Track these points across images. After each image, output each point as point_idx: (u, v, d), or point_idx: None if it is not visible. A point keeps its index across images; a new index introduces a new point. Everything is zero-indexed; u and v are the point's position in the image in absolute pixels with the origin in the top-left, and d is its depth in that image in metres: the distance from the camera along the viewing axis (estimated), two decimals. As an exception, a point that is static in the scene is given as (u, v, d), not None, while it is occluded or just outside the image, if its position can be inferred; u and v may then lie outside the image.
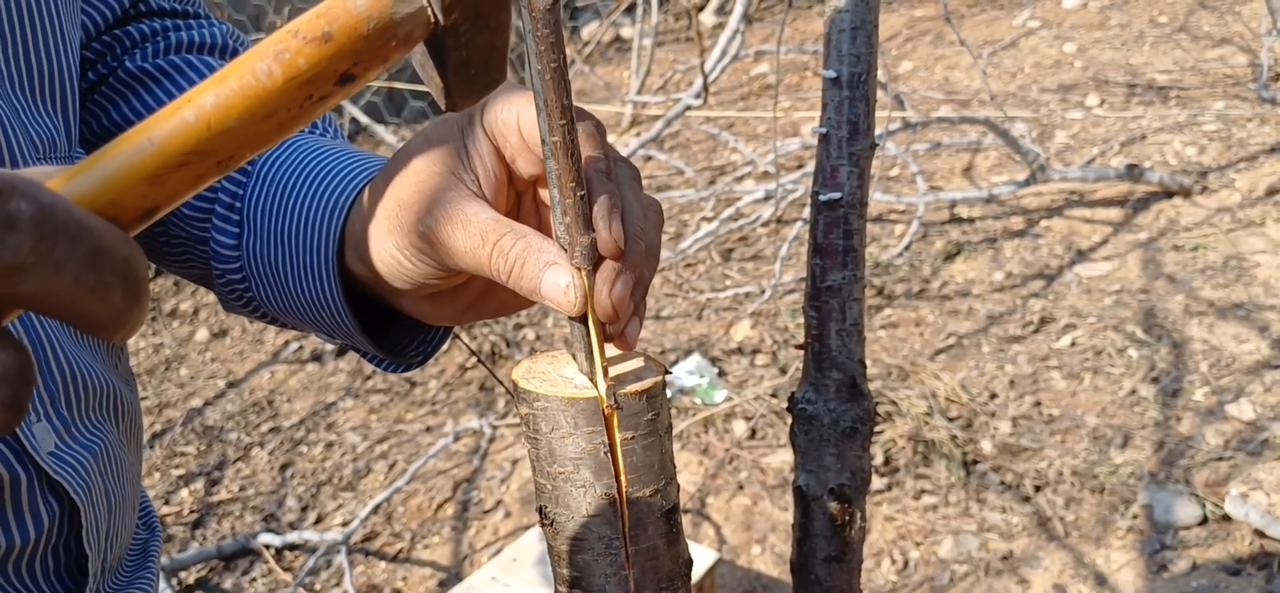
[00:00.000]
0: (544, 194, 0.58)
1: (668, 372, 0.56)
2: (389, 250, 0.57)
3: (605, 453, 0.51)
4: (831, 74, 0.75)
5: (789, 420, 0.79)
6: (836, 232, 0.77)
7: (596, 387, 0.51)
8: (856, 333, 0.77)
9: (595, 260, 0.50)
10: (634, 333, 0.52)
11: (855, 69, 0.75)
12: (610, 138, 4.69)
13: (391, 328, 0.68)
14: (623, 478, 0.51)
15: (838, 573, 0.77)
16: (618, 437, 0.51)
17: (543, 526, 0.54)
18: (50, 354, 0.58)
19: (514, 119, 0.54)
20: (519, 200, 0.59)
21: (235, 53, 0.74)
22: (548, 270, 0.51)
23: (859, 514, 0.79)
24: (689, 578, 0.55)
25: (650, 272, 0.53)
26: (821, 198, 0.77)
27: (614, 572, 0.52)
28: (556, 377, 0.53)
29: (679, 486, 0.55)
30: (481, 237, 0.53)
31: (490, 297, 0.63)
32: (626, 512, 0.51)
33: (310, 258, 0.62)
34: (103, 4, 0.70)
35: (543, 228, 0.56)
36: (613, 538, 0.52)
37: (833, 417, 0.77)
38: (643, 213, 0.53)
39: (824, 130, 0.77)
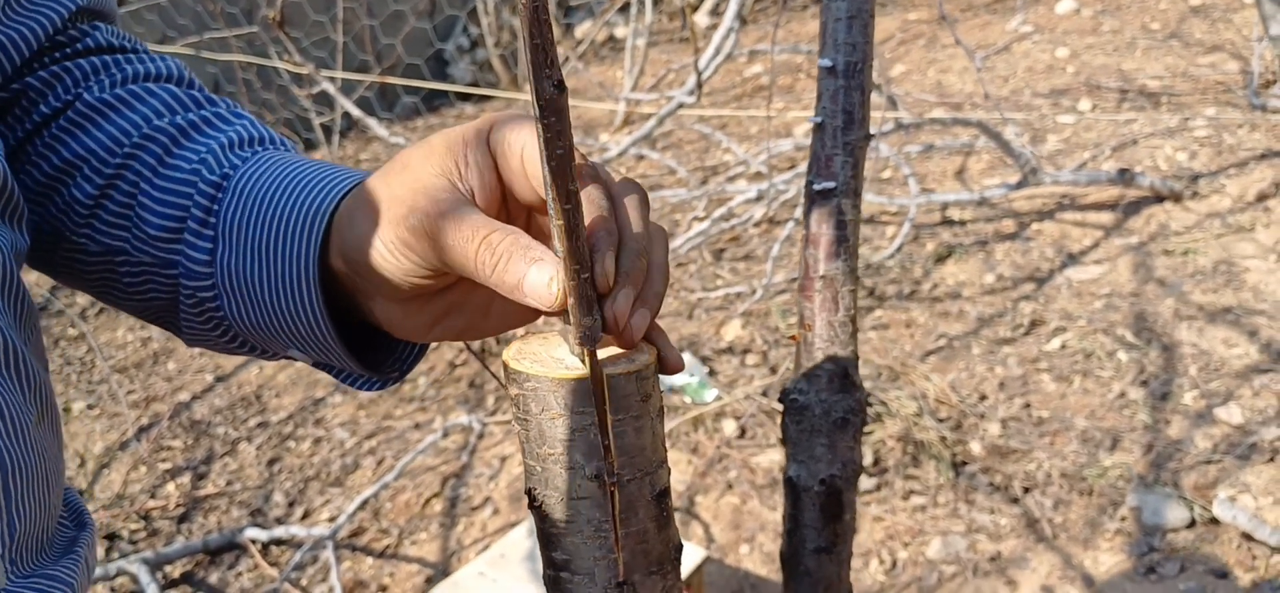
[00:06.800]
0: (541, 221, 0.60)
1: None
2: (375, 243, 0.57)
3: (595, 434, 0.50)
4: (827, 63, 0.75)
5: (779, 420, 0.79)
6: (830, 222, 0.76)
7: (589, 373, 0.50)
8: (849, 324, 0.77)
9: (597, 341, 0.50)
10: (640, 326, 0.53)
11: (851, 58, 0.75)
12: (604, 137, 4.68)
13: (367, 346, 0.68)
14: (614, 460, 0.50)
15: (827, 564, 0.77)
16: (609, 418, 0.50)
17: (531, 508, 0.53)
18: None
19: (519, 148, 0.56)
20: (511, 222, 0.60)
21: (191, 83, 0.75)
22: (532, 266, 0.51)
23: (849, 505, 0.78)
24: (679, 563, 0.55)
25: (661, 285, 0.55)
26: (815, 187, 0.76)
27: (603, 555, 0.51)
28: (547, 358, 0.53)
29: (670, 469, 0.55)
30: (472, 231, 0.54)
31: (458, 312, 0.63)
32: (617, 494, 0.51)
33: (289, 267, 0.62)
34: (29, 20, 0.68)
35: None
36: (602, 521, 0.51)
37: (824, 407, 0.76)
38: (648, 240, 0.55)
39: (819, 120, 0.76)
